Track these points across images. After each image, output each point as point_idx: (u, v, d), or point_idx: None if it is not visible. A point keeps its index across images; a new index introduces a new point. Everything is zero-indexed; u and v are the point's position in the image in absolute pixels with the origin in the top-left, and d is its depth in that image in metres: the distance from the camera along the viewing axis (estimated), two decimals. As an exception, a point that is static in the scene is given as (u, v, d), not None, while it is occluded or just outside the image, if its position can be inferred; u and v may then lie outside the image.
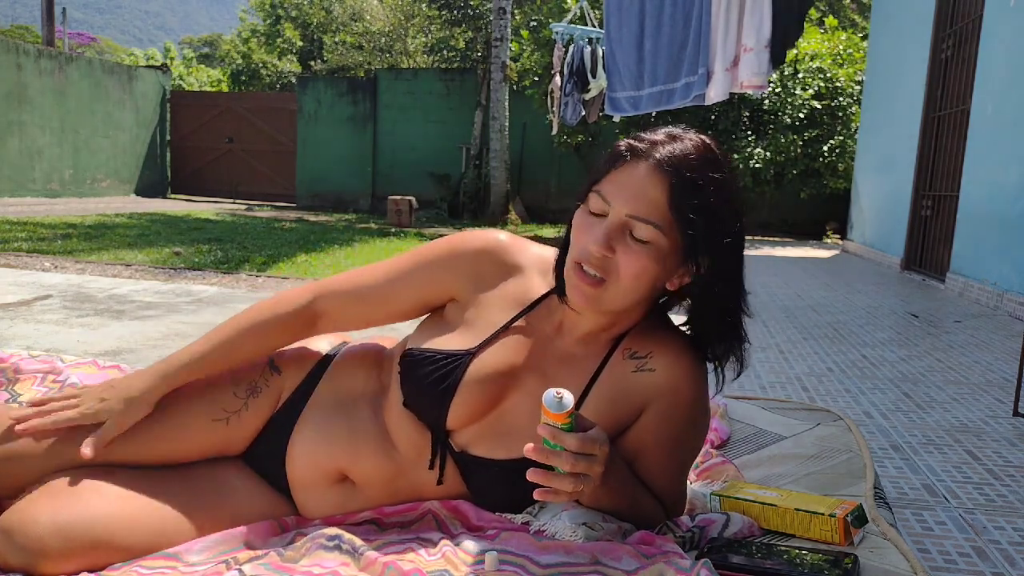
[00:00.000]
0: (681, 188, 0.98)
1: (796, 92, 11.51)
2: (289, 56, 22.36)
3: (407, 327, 1.22)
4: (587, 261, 1.01)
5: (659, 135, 1.03)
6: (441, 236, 1.22)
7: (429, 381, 1.07)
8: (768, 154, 11.31)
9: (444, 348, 1.09)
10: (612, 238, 0.99)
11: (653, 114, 5.25)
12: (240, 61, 22.62)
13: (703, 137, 1.04)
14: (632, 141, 1.02)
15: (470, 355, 1.08)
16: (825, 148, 11.33)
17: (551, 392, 0.89)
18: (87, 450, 1.06)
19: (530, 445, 0.89)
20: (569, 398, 0.89)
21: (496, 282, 1.14)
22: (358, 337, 1.29)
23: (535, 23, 13.20)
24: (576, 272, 1.02)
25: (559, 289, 1.09)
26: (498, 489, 1.07)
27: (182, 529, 1.04)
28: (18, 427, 1.07)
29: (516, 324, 1.11)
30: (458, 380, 1.07)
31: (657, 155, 0.99)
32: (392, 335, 1.31)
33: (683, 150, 1.00)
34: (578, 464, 0.90)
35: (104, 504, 1.00)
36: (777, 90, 11.54)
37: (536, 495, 0.90)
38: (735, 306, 1.06)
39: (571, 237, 1.05)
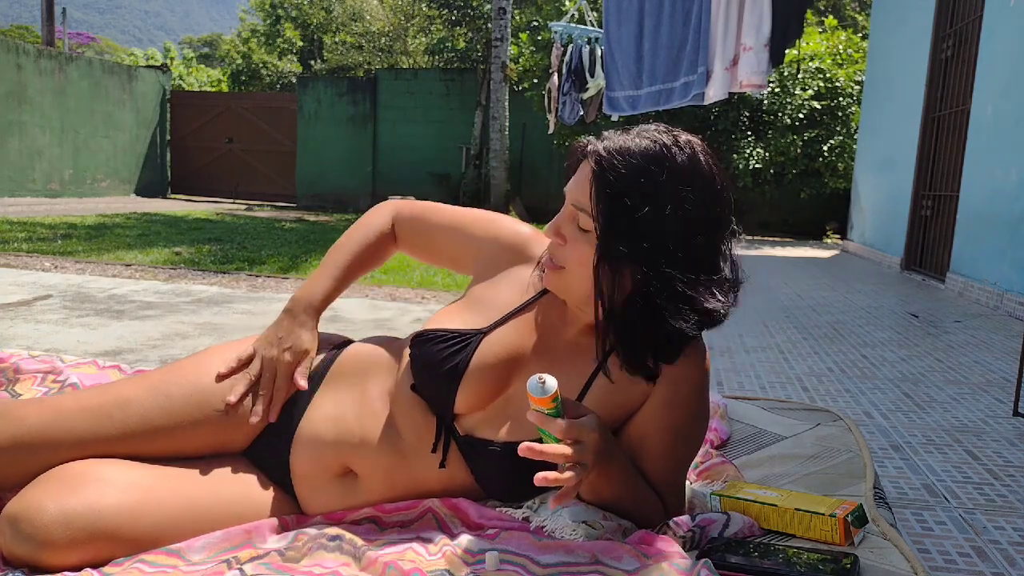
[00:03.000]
0: (598, 176, 1.00)
1: (796, 92, 11.50)
2: (289, 56, 22.35)
3: (408, 327, 1.23)
4: (548, 253, 1.08)
5: (633, 129, 1.05)
6: None
7: (439, 359, 1.08)
8: (768, 154, 11.31)
9: (456, 328, 1.11)
10: (560, 226, 1.06)
11: (652, 113, 5.25)
12: (240, 61, 22.61)
13: (678, 142, 1.01)
14: (587, 139, 1.06)
15: (482, 334, 1.11)
16: (825, 148, 11.33)
17: (534, 377, 0.89)
18: (303, 382, 1.17)
19: (524, 444, 0.90)
20: (552, 383, 0.89)
21: (511, 270, 1.19)
22: (362, 336, 1.30)
23: (535, 24, 13.21)
24: (546, 259, 1.09)
25: None
26: (501, 471, 1.07)
27: (187, 523, 1.04)
28: (252, 419, 1.15)
29: (526, 309, 1.14)
30: (468, 359, 1.08)
31: (596, 148, 1.02)
32: (396, 333, 1.31)
33: (625, 144, 1.00)
34: (571, 454, 0.90)
35: (110, 495, 1.00)
36: (777, 90, 11.53)
37: (536, 480, 0.88)
38: (656, 329, 1.02)
39: None
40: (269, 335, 1.21)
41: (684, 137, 1.03)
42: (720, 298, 1.02)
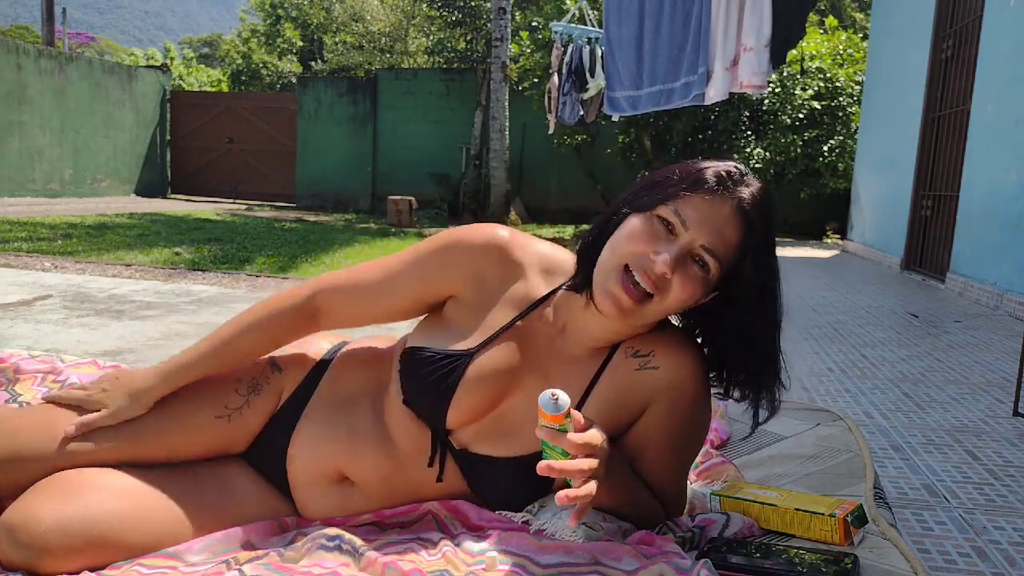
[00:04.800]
0: (754, 235, 1.00)
1: (796, 92, 11.50)
2: (289, 56, 22.34)
3: (406, 325, 1.22)
4: (644, 272, 0.99)
5: (732, 168, 1.03)
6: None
7: (429, 381, 1.07)
8: (768, 154, 11.30)
9: (444, 349, 1.09)
10: (680, 261, 0.99)
11: (653, 114, 5.26)
12: (240, 61, 22.59)
13: (759, 181, 1.06)
14: (720, 172, 1.02)
15: (469, 356, 1.08)
16: (825, 148, 11.32)
17: (547, 394, 0.88)
18: (71, 428, 1.08)
19: (544, 463, 0.89)
20: (565, 399, 0.88)
21: (497, 281, 1.11)
22: (358, 336, 1.29)
23: (536, 24, 13.21)
24: (621, 278, 1.00)
25: (580, 285, 1.07)
26: (498, 486, 1.07)
27: (184, 527, 1.04)
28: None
29: (517, 324, 1.10)
30: (457, 381, 1.06)
31: (743, 196, 1.00)
32: (391, 334, 1.31)
33: (760, 195, 1.02)
34: (584, 469, 0.90)
35: (107, 501, 1.00)
36: (777, 90, 11.53)
37: (559, 500, 0.89)
38: (765, 345, 1.06)
39: (622, 238, 1.02)
40: (115, 375, 1.15)
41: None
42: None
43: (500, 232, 1.12)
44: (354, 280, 1.15)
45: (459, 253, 1.11)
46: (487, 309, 1.11)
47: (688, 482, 1.23)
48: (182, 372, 1.12)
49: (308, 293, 1.15)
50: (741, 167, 1.04)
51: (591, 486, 0.90)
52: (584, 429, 0.93)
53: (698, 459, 1.40)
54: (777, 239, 1.06)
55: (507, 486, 1.06)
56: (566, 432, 0.90)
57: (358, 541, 1.00)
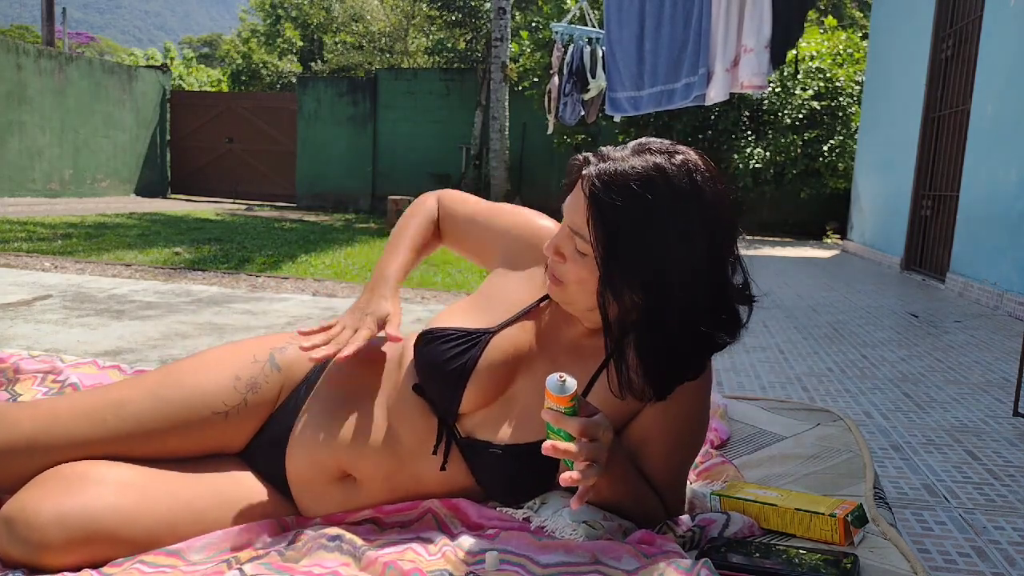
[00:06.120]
0: (595, 207, 0.97)
1: (796, 92, 11.50)
2: (289, 56, 22.35)
3: (408, 326, 1.22)
4: (550, 264, 1.07)
5: (627, 148, 1.01)
6: None
7: (446, 358, 1.08)
8: (768, 154, 11.30)
9: (463, 326, 1.11)
10: (560, 245, 1.05)
11: (653, 114, 5.26)
12: (240, 61, 22.60)
13: (674, 161, 0.98)
14: (589, 154, 1.03)
15: (491, 334, 1.10)
16: (825, 148, 11.33)
17: (554, 376, 0.89)
18: (397, 333, 1.14)
19: (548, 442, 0.90)
20: (572, 382, 0.89)
21: (527, 264, 1.19)
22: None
23: (536, 24, 13.22)
24: (548, 272, 1.08)
25: None
26: (502, 473, 1.07)
27: (183, 523, 1.04)
28: (313, 354, 1.09)
29: (535, 308, 1.14)
30: (476, 359, 1.08)
31: (590, 170, 0.99)
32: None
33: (619, 169, 0.97)
34: (587, 452, 0.90)
35: (106, 496, 1.00)
36: (777, 90, 11.53)
37: (562, 480, 0.89)
38: (659, 359, 1.01)
39: None
40: (351, 309, 1.19)
41: (680, 157, 0.99)
42: (727, 317, 1.02)
43: (544, 223, 1.23)
44: (456, 206, 1.30)
45: (511, 229, 1.23)
46: (512, 294, 1.16)
47: (688, 482, 1.23)
48: (403, 271, 1.24)
49: (436, 205, 1.31)
50: (654, 143, 1.01)
51: (593, 470, 0.90)
52: (590, 415, 0.93)
53: (698, 459, 1.40)
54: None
55: (511, 473, 1.06)
56: (571, 415, 0.90)
57: (358, 541, 1.00)
